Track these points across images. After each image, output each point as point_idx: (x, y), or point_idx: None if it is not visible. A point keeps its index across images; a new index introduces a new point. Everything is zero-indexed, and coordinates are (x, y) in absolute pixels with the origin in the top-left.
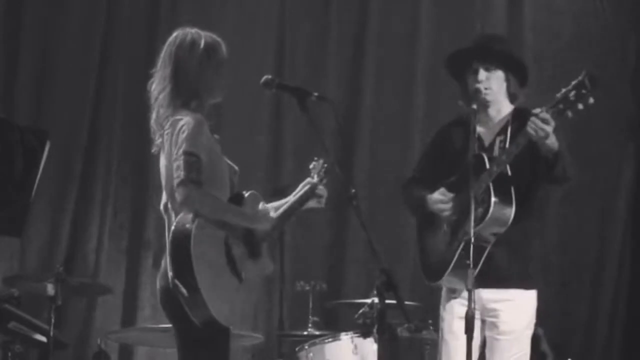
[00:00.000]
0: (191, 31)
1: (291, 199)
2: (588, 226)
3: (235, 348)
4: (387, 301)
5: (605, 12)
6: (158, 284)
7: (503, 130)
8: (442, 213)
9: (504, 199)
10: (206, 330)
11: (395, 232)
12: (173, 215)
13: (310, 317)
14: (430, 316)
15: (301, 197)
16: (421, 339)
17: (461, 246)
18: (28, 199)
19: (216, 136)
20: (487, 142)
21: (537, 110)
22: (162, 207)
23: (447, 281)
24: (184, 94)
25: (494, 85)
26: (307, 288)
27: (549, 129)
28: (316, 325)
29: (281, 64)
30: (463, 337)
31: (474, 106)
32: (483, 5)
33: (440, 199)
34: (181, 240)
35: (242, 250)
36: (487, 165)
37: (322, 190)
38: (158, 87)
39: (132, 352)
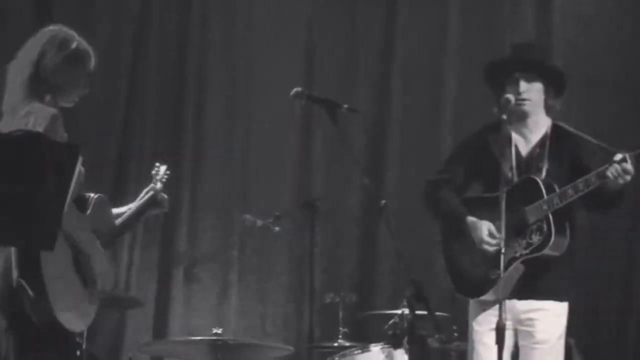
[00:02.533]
0: (67, 30)
1: (134, 205)
2: (617, 234)
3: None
4: (417, 312)
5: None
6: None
7: (541, 143)
8: (486, 252)
9: (561, 231)
10: (48, 333)
11: (425, 243)
12: None
13: (340, 328)
14: (458, 327)
15: (143, 204)
16: (451, 350)
17: (510, 268)
18: (59, 213)
19: (65, 135)
20: (524, 152)
21: (618, 157)
22: None
23: (489, 296)
24: (40, 84)
25: (534, 97)
26: (337, 299)
27: (629, 178)
28: (346, 337)
29: (310, 75)
30: (494, 348)
31: (504, 117)
32: (511, 11)
33: (488, 241)
34: None
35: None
36: (544, 193)
37: (162, 197)
38: (18, 69)
39: None
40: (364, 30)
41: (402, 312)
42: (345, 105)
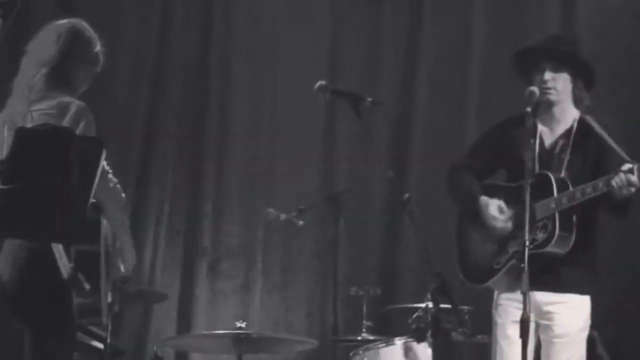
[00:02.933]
0: (91, 30)
1: None
2: None
3: (290, 354)
4: (441, 305)
5: None
6: (14, 275)
7: (566, 135)
8: (493, 229)
9: (566, 229)
10: (80, 321)
11: (449, 236)
12: None
13: (364, 322)
14: (482, 320)
15: None
16: (474, 343)
17: (512, 261)
18: (84, 208)
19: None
20: (547, 143)
21: (625, 167)
22: None
23: (491, 284)
24: (61, 77)
25: (559, 86)
26: (361, 293)
27: (633, 190)
28: (370, 330)
29: (335, 70)
30: (518, 342)
31: (528, 109)
32: (536, 5)
33: (496, 216)
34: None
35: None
36: (555, 191)
37: None
38: (42, 58)
39: (187, 358)
40: (388, 23)
41: (426, 305)
42: (369, 98)
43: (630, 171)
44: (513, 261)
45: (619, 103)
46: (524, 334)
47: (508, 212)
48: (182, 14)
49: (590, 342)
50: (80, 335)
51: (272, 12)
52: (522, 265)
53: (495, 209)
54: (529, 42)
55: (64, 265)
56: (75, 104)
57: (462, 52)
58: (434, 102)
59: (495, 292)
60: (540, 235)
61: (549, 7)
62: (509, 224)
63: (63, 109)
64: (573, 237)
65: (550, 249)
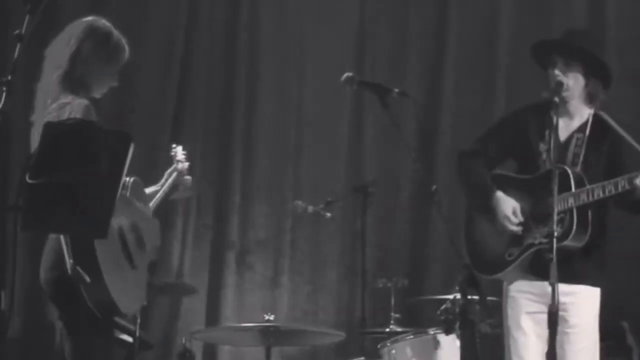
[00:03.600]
0: (107, 24)
1: (161, 189)
2: None
3: (318, 346)
4: (469, 297)
5: None
6: (45, 276)
7: (581, 129)
8: (503, 228)
9: (583, 224)
10: (103, 318)
11: None
12: None
13: (392, 313)
14: None
15: (169, 188)
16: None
17: (526, 254)
18: (112, 201)
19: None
20: (563, 137)
21: None
22: None
23: (501, 276)
24: (73, 80)
25: (570, 81)
26: (389, 285)
27: None
28: (398, 322)
29: (361, 62)
30: (532, 333)
31: (556, 99)
32: None
33: (510, 217)
34: None
35: (133, 239)
36: (573, 186)
37: (186, 179)
38: (55, 61)
39: (216, 351)
40: (415, 14)
41: (454, 297)
42: (396, 90)
43: None
44: (529, 252)
45: None
46: (551, 325)
47: (520, 217)
48: (208, 12)
49: (620, 333)
50: None
51: (299, 4)
52: (550, 256)
53: (510, 209)
54: (555, 31)
55: (67, 262)
56: (72, 104)
57: (489, 41)
58: (462, 93)
59: (505, 283)
60: (558, 230)
61: None
62: (519, 229)
63: (60, 110)
64: (589, 232)
65: (568, 242)
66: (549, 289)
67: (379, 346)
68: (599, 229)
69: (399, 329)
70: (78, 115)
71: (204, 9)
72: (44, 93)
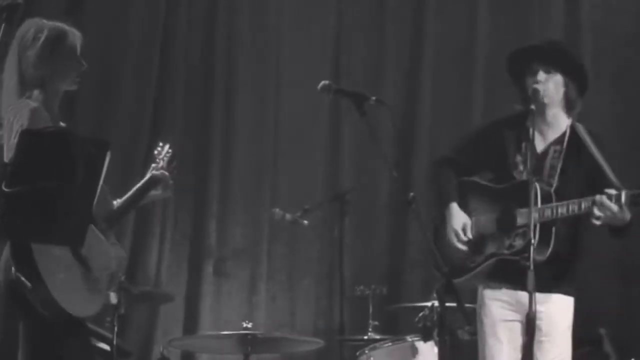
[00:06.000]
0: (38, 22)
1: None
2: None
3: (296, 353)
4: (447, 304)
5: None
6: (4, 288)
7: (559, 141)
8: (448, 242)
9: (545, 240)
10: (58, 322)
11: None
12: None
13: (370, 321)
14: None
15: (143, 183)
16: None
17: (487, 263)
18: (89, 209)
19: (62, 124)
20: (540, 148)
21: (611, 192)
22: None
23: (464, 282)
24: (27, 84)
25: (551, 88)
26: (367, 292)
27: (615, 218)
28: (376, 330)
29: (338, 70)
30: (506, 341)
31: (533, 107)
32: (540, 4)
33: (458, 231)
34: None
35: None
36: (539, 201)
37: (163, 175)
38: (6, 76)
39: (194, 359)
40: (392, 22)
41: (432, 304)
42: (373, 98)
43: (612, 197)
44: (490, 262)
45: (623, 100)
46: (530, 332)
47: (469, 235)
48: (186, 19)
49: (598, 340)
50: None
51: (276, 12)
52: (527, 263)
53: (460, 225)
54: (532, 39)
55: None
56: (18, 108)
57: (466, 51)
58: (439, 100)
59: (479, 288)
60: (518, 242)
61: (553, 5)
62: (464, 248)
63: (9, 114)
64: (550, 248)
65: (529, 257)
66: (523, 297)
67: (357, 353)
68: (572, 242)
69: (377, 337)
70: (24, 122)
71: (181, 16)
72: (4, 107)
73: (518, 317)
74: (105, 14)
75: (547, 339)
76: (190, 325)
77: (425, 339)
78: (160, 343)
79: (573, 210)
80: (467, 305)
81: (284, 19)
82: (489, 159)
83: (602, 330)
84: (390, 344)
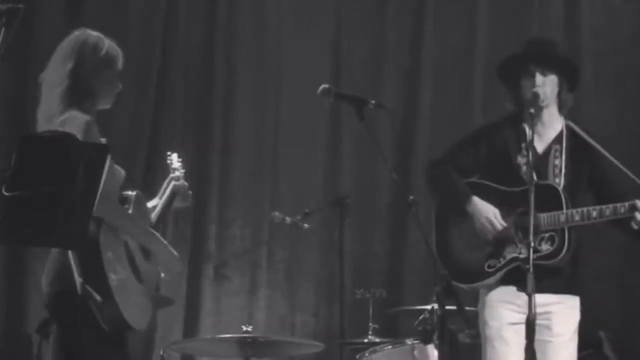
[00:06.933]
0: (94, 34)
1: (160, 201)
2: None
3: (296, 357)
4: (447, 307)
5: None
6: (46, 290)
7: (558, 140)
8: (483, 233)
9: (571, 246)
10: (113, 332)
11: None
12: None
13: (370, 324)
14: None
15: (168, 199)
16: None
17: (509, 267)
18: (89, 213)
19: (103, 140)
20: (540, 149)
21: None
22: None
23: (479, 286)
24: (79, 93)
25: (548, 90)
26: (367, 295)
27: None
28: (376, 333)
29: (338, 74)
30: (514, 343)
31: (532, 110)
32: (540, 7)
33: (492, 220)
34: (89, 246)
35: (138, 252)
36: (564, 204)
37: (183, 187)
38: (54, 80)
39: None
40: (392, 26)
41: (432, 307)
42: (373, 102)
43: None
44: (513, 265)
45: (622, 101)
46: (529, 335)
47: (503, 222)
48: (185, 23)
49: (598, 343)
50: None
51: (276, 15)
52: (527, 266)
53: (491, 213)
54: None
55: (76, 281)
56: (70, 119)
57: (465, 54)
58: (438, 104)
59: (481, 292)
60: (545, 247)
61: (552, 7)
62: (498, 236)
63: (61, 126)
64: (571, 251)
65: (556, 261)
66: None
67: (357, 357)
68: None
69: (377, 340)
70: (78, 135)
71: (181, 20)
72: (46, 116)
73: (525, 319)
74: (104, 13)
75: (558, 339)
76: (190, 328)
77: (426, 342)
78: (160, 346)
79: (607, 215)
80: (468, 308)
81: (284, 22)
82: (491, 161)
83: (602, 333)
84: (390, 347)
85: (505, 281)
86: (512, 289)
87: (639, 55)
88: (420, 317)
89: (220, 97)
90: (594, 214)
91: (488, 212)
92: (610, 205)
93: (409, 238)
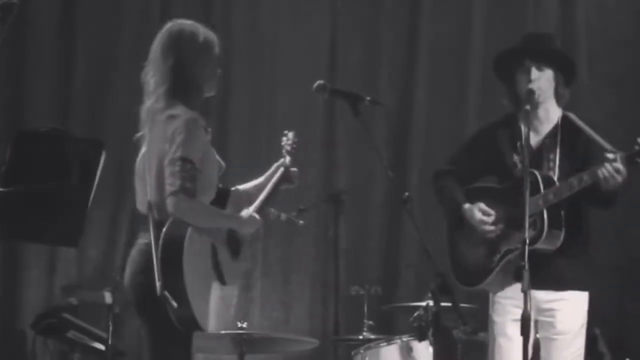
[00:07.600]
0: (188, 23)
1: (267, 185)
2: None
3: (291, 353)
4: (442, 304)
5: None
6: (131, 280)
7: (552, 134)
8: (484, 233)
9: (555, 225)
10: (184, 331)
11: None
12: (156, 214)
13: (365, 321)
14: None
15: (276, 183)
16: (476, 341)
17: (504, 260)
18: (84, 209)
19: (209, 130)
20: (534, 144)
21: (611, 156)
22: (139, 203)
23: (485, 286)
24: (183, 88)
25: (543, 85)
26: (362, 292)
27: (620, 179)
28: (371, 329)
29: (333, 70)
30: (518, 340)
31: (528, 107)
32: (535, 5)
33: (483, 219)
34: (173, 251)
35: (226, 252)
36: (542, 188)
37: (293, 172)
38: (156, 78)
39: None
40: (387, 23)
41: (427, 304)
42: (368, 98)
43: (615, 160)
44: (507, 258)
45: (618, 100)
46: (525, 332)
47: (492, 215)
48: (180, 14)
49: (592, 340)
50: (79, 336)
51: (271, 11)
52: (522, 263)
53: (479, 213)
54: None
55: (156, 282)
56: (176, 119)
57: (461, 50)
58: (434, 101)
59: (492, 290)
60: (530, 233)
61: (548, 6)
62: (500, 225)
63: (166, 122)
64: (562, 233)
65: (540, 245)
66: (536, 294)
67: (352, 353)
68: (577, 229)
69: (372, 336)
70: (181, 134)
71: (175, 15)
72: (149, 113)
73: (532, 315)
74: (99, 12)
75: (561, 337)
76: None
77: (420, 338)
78: None
79: (575, 187)
80: (463, 305)
81: (279, 19)
82: (488, 164)
83: (597, 330)
84: (385, 343)
85: (518, 278)
86: (518, 285)
87: (634, 55)
88: (415, 314)
89: (216, 92)
90: (564, 188)
91: (477, 214)
92: (576, 176)
93: (404, 234)
